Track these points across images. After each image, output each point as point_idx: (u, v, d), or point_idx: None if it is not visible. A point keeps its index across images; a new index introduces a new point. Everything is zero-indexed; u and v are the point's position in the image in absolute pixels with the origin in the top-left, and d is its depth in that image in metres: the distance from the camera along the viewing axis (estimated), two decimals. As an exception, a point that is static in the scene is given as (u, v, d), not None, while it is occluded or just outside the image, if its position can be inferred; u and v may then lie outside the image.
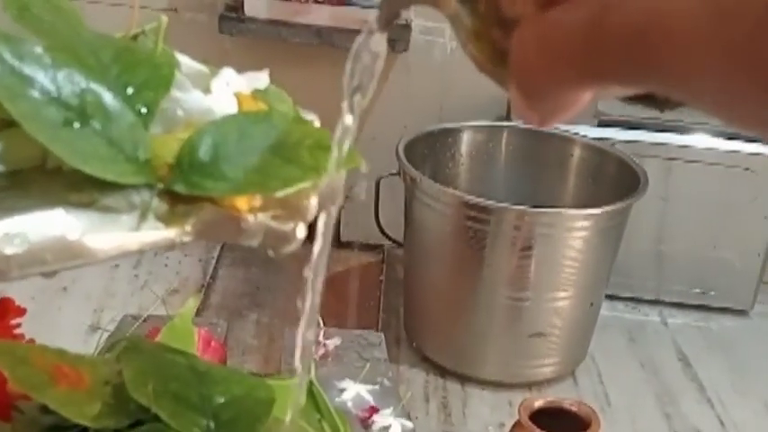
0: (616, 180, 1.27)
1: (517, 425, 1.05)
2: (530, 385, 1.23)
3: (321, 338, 1.05)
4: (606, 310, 1.34)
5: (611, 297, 1.42)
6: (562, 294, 1.17)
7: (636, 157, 1.29)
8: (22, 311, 0.45)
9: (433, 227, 1.20)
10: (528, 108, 0.32)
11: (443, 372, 1.24)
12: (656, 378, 1.29)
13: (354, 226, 1.60)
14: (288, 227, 0.43)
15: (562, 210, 1.17)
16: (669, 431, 1.18)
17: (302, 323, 0.37)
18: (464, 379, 1.24)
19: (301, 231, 0.44)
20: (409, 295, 1.32)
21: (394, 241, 1.38)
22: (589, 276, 1.18)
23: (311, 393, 0.42)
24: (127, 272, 1.42)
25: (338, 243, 1.61)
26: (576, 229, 1.14)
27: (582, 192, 1.33)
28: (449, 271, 1.21)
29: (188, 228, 0.39)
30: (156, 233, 0.37)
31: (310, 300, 0.38)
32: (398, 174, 1.24)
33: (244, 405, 0.38)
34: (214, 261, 1.51)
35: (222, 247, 1.54)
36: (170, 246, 0.39)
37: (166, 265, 1.47)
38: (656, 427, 1.19)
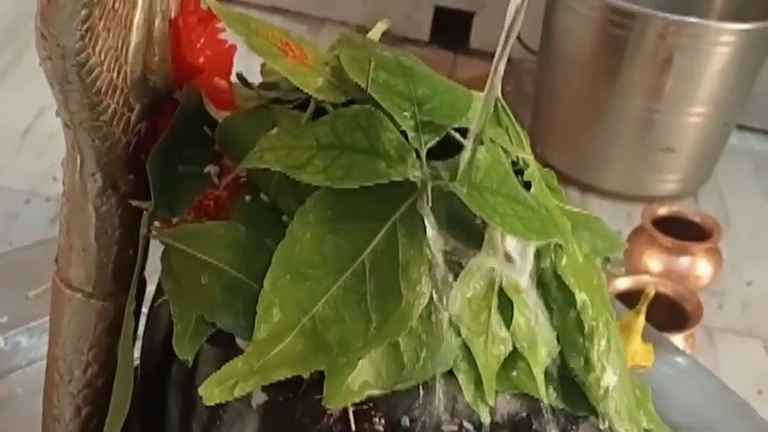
0: None
1: (638, 230, 1.08)
2: (650, 199, 1.24)
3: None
4: (735, 138, 1.33)
5: (740, 127, 1.41)
6: (697, 110, 1.17)
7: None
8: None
9: (574, 32, 1.19)
10: None
11: (565, 179, 1.26)
12: (778, 207, 1.29)
13: (486, 34, 1.60)
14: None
15: (709, 21, 1.15)
16: (786, 256, 1.19)
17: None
18: (585, 187, 1.26)
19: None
20: (539, 102, 1.33)
21: (529, 49, 1.38)
22: (727, 95, 1.17)
23: (496, 108, 0.45)
24: None
25: (467, 50, 1.61)
26: (721, 43, 1.12)
27: (730, 7, 1.29)
28: (584, 78, 1.21)
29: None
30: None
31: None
32: (542, -23, 1.23)
33: (446, 99, 0.41)
34: None
35: None
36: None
37: None
38: (773, 251, 1.20)
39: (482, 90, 0.42)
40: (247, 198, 0.40)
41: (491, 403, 0.38)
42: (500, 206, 0.38)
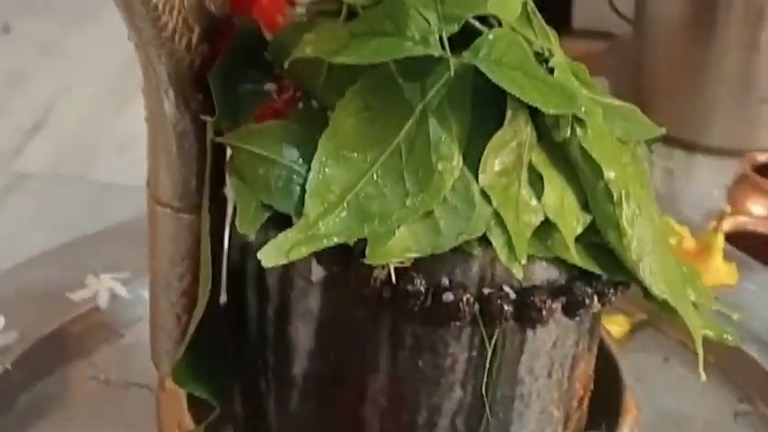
0: None
1: (740, 178, 1.08)
2: (756, 152, 1.23)
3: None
4: None
5: None
6: (796, 57, 1.16)
7: None
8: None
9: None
10: None
11: (671, 140, 1.26)
12: None
13: (587, 14, 1.61)
14: None
15: (801, -34, 1.14)
16: None
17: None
18: (690, 147, 1.26)
19: None
20: (639, 71, 1.34)
21: (625, 18, 1.39)
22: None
23: (524, 8, 0.48)
24: None
25: (570, 31, 1.63)
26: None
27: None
28: (680, 39, 1.22)
29: None
30: None
31: None
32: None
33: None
34: None
35: None
36: None
37: None
38: None
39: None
40: (300, 105, 0.46)
41: (523, 261, 0.42)
42: (519, 79, 0.42)
